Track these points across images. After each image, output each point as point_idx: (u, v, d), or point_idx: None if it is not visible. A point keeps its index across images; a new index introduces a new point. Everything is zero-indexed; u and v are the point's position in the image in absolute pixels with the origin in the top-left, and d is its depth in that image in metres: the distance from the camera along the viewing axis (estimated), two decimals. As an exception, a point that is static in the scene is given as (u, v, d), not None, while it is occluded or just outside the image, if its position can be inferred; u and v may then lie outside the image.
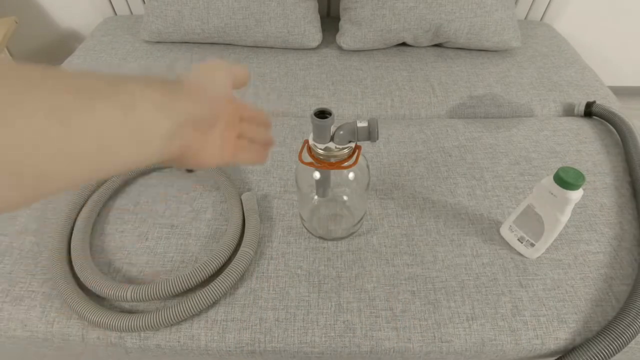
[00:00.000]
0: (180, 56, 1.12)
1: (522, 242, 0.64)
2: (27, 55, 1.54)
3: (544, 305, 0.59)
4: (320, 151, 0.50)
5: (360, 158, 0.55)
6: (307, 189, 0.62)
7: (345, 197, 0.68)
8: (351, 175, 0.58)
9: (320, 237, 0.67)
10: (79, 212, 0.68)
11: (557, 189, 0.54)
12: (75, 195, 0.69)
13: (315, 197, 0.66)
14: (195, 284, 0.58)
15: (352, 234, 0.67)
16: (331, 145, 0.50)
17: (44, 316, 0.58)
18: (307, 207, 0.68)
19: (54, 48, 1.53)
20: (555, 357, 0.58)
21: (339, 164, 0.51)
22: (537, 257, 0.64)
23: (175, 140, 0.26)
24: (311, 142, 0.51)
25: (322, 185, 0.57)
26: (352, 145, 0.52)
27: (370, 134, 0.48)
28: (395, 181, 0.76)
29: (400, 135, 0.87)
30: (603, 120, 0.92)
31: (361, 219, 0.66)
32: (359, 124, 0.49)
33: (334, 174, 0.58)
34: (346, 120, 0.95)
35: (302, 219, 0.68)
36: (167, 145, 0.25)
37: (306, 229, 0.68)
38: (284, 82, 1.03)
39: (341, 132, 0.49)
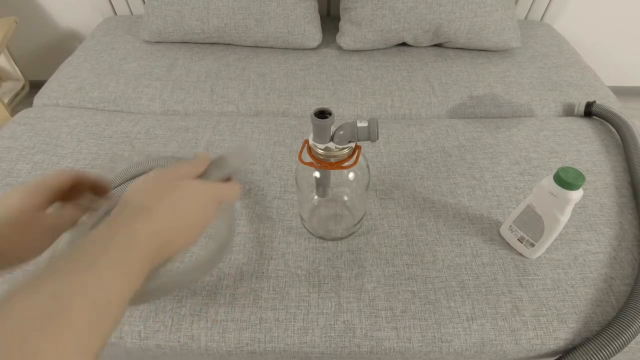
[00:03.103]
0: (180, 56, 1.12)
1: (522, 242, 0.64)
2: (27, 55, 1.54)
3: (544, 305, 0.59)
4: (320, 151, 0.50)
5: (360, 158, 0.55)
6: (307, 189, 0.62)
7: (345, 197, 0.68)
8: (351, 175, 0.58)
9: (320, 237, 0.67)
10: None
11: (557, 189, 0.54)
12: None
13: (315, 197, 0.66)
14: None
15: (352, 234, 0.67)
16: (331, 145, 0.50)
17: (44, 316, 0.58)
18: (307, 207, 0.68)
19: (54, 48, 1.53)
20: (555, 357, 0.58)
21: (339, 164, 0.51)
22: (537, 257, 0.65)
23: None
24: (311, 142, 0.51)
25: (322, 185, 0.57)
26: (352, 145, 0.52)
27: (370, 134, 0.48)
28: (395, 181, 0.76)
29: (400, 135, 0.87)
30: (603, 120, 0.92)
31: (361, 219, 0.66)
32: (359, 124, 0.49)
33: (334, 174, 0.58)
34: (346, 120, 0.95)
35: (302, 219, 0.68)
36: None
37: (306, 229, 0.68)
38: (284, 82, 1.03)
39: (341, 132, 0.49)
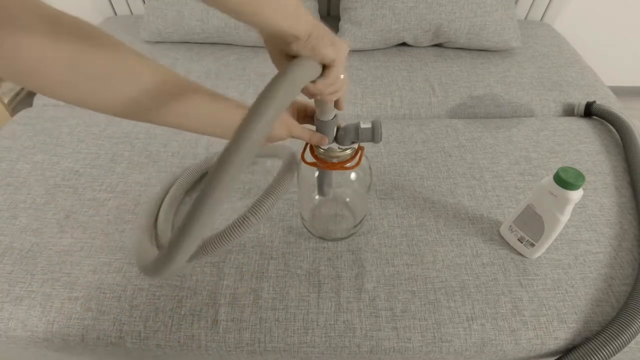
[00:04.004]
0: (180, 56, 1.12)
1: (522, 242, 0.64)
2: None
3: (544, 305, 0.59)
4: (323, 151, 0.51)
5: (363, 159, 0.55)
6: (309, 188, 0.61)
7: (347, 198, 0.68)
8: (353, 175, 0.58)
9: (321, 237, 0.67)
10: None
11: (557, 189, 0.54)
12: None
13: (317, 196, 0.66)
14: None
15: (352, 234, 0.67)
16: (334, 145, 0.50)
17: (44, 316, 0.59)
18: (308, 207, 0.68)
19: (54, 48, 1.53)
20: (555, 357, 0.58)
21: (341, 165, 0.51)
22: (537, 257, 0.64)
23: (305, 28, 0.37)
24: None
25: (323, 185, 0.57)
26: (355, 146, 0.52)
27: (374, 136, 0.48)
28: (395, 181, 0.76)
29: (400, 135, 0.87)
30: (603, 120, 0.92)
31: (362, 220, 0.66)
32: (362, 125, 0.49)
33: (336, 174, 0.58)
34: (346, 120, 0.95)
35: (302, 218, 0.68)
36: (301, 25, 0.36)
37: (307, 229, 0.68)
38: (284, 82, 1.03)
39: (344, 133, 0.49)
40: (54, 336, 0.58)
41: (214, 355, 0.58)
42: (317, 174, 0.56)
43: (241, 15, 0.31)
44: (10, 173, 0.77)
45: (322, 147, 0.50)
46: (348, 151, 0.51)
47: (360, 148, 0.53)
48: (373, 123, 0.48)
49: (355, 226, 0.66)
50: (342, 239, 0.67)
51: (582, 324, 0.58)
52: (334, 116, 0.48)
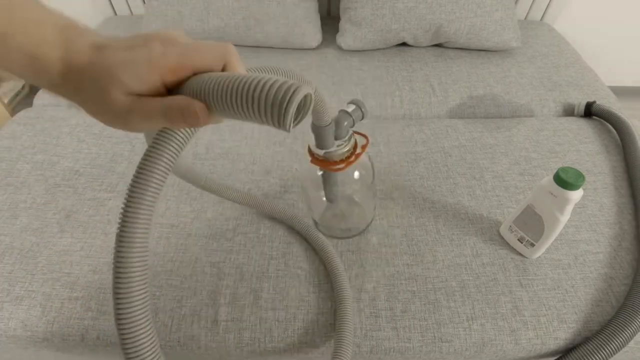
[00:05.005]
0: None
1: (522, 242, 0.64)
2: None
3: (544, 305, 0.59)
4: (321, 153, 0.51)
5: (364, 155, 0.55)
6: (316, 190, 0.61)
7: (355, 198, 0.68)
8: (356, 174, 0.59)
9: (334, 236, 0.67)
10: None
11: (557, 189, 0.54)
12: None
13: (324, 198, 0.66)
14: None
15: (362, 231, 0.67)
16: (332, 149, 0.50)
17: (44, 316, 0.59)
18: (318, 210, 0.68)
19: (54, 48, 1.53)
20: (555, 357, 0.58)
21: (346, 160, 0.52)
22: (537, 257, 0.65)
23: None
24: (313, 149, 0.51)
25: (330, 188, 0.57)
26: (352, 141, 0.52)
27: (363, 113, 0.52)
28: (395, 181, 0.76)
29: (400, 135, 0.87)
30: (603, 120, 0.92)
31: (373, 211, 0.67)
32: (350, 109, 0.51)
33: (339, 174, 0.58)
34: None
35: (315, 222, 0.68)
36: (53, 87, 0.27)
37: (320, 231, 0.67)
38: (284, 82, 1.03)
39: (337, 128, 0.50)
40: (54, 336, 0.58)
41: (214, 355, 0.58)
42: (319, 174, 0.56)
43: None
44: (10, 173, 0.77)
45: (318, 152, 0.51)
46: (346, 149, 0.51)
47: (363, 147, 0.54)
48: (355, 102, 0.52)
49: (367, 224, 0.67)
50: (354, 235, 0.67)
51: (582, 324, 0.58)
52: (331, 123, 0.48)
